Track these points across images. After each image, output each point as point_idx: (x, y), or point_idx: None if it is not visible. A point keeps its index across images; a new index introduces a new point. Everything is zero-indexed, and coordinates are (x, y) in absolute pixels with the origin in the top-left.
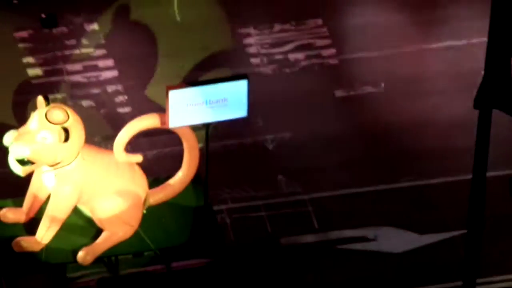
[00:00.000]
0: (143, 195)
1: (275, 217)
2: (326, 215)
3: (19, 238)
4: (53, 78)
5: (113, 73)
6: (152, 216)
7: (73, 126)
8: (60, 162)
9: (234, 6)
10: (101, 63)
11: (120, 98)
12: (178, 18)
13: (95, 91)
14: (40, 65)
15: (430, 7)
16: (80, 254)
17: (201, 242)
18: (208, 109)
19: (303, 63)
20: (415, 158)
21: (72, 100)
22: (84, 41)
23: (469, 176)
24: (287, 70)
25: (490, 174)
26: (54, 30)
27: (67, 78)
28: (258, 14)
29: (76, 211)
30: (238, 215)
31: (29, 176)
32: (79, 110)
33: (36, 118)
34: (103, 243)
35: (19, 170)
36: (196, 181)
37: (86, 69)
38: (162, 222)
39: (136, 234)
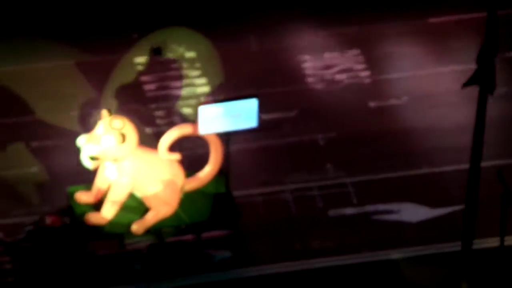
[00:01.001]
0: (180, 184)
1: (325, 195)
2: (363, 193)
3: (89, 214)
4: (162, 92)
5: (206, 89)
6: (187, 199)
7: (128, 131)
8: (119, 158)
9: (295, 40)
10: (197, 81)
11: None
12: (253, 49)
13: (192, 102)
14: (152, 82)
15: (439, 40)
16: (133, 227)
17: (221, 218)
18: (228, 120)
19: (346, 82)
20: (427, 152)
21: (175, 107)
22: (184, 64)
23: (468, 165)
24: (334, 87)
25: (483, 164)
26: (161, 58)
27: (171, 92)
28: (311, 45)
29: (130, 195)
30: (297, 194)
31: (95, 169)
32: (180, 116)
33: (102, 125)
34: (150, 219)
35: (89, 165)
36: (221, 173)
37: (186, 85)
38: (195, 203)
39: (175, 213)
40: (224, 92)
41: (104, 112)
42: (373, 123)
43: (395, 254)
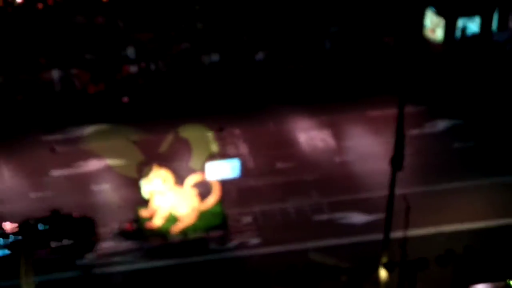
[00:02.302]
0: (197, 206)
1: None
2: (332, 207)
3: (147, 222)
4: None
5: (245, 150)
6: (201, 215)
7: (167, 177)
8: (163, 192)
9: (294, 123)
10: (238, 144)
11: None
12: (271, 129)
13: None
14: (219, 145)
15: (374, 125)
16: (172, 229)
17: (219, 225)
18: (222, 172)
19: (321, 146)
20: (365, 184)
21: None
22: (235, 138)
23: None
24: (315, 149)
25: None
26: (222, 132)
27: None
28: (304, 126)
29: (169, 212)
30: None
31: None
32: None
33: (153, 174)
34: (180, 225)
35: (146, 196)
36: (219, 202)
37: (236, 148)
38: (206, 216)
39: (194, 222)
40: (258, 152)
41: (155, 167)
42: (337, 170)
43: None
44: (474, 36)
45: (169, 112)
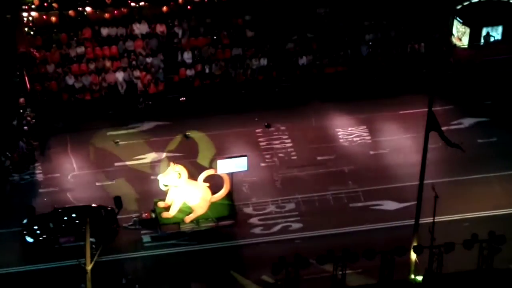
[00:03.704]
0: (208, 198)
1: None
2: (366, 196)
3: (164, 213)
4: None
5: (289, 144)
6: (213, 206)
7: (182, 172)
8: (178, 185)
9: (334, 120)
10: (284, 139)
11: (292, 155)
12: (313, 125)
13: (281, 154)
14: (264, 143)
15: (405, 122)
16: (185, 219)
17: (230, 215)
18: (232, 166)
19: (358, 141)
20: (396, 175)
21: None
22: (281, 133)
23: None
24: (352, 144)
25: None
26: (270, 128)
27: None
28: (342, 123)
29: (183, 203)
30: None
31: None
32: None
33: (169, 169)
34: (193, 215)
35: (163, 188)
36: (229, 194)
37: (282, 142)
38: (217, 207)
39: (206, 212)
40: (301, 146)
41: (171, 163)
42: (371, 162)
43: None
44: (497, 42)
45: (222, 110)
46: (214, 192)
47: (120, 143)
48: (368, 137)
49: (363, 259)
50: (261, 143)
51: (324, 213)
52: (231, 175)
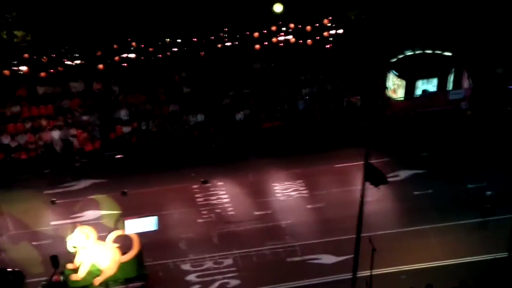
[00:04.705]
0: (117, 259)
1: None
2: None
3: (72, 275)
4: (207, 202)
5: (226, 199)
6: (121, 267)
7: (90, 233)
8: (86, 247)
9: (271, 175)
10: (220, 194)
11: (229, 210)
12: (250, 180)
13: (218, 210)
14: (201, 199)
15: (339, 175)
16: (94, 281)
17: (139, 277)
18: (141, 226)
19: (294, 195)
20: (332, 228)
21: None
22: (218, 189)
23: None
24: (288, 198)
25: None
26: (207, 184)
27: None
28: (279, 177)
29: (92, 265)
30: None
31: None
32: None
33: (76, 230)
34: (103, 277)
35: (71, 250)
36: (138, 253)
37: (218, 198)
38: (126, 268)
39: (115, 273)
40: (238, 201)
41: (78, 225)
42: (308, 216)
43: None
44: (432, 94)
45: (159, 167)
46: (124, 252)
47: (57, 201)
48: (305, 191)
49: None
50: (198, 199)
51: (261, 268)
52: (140, 234)
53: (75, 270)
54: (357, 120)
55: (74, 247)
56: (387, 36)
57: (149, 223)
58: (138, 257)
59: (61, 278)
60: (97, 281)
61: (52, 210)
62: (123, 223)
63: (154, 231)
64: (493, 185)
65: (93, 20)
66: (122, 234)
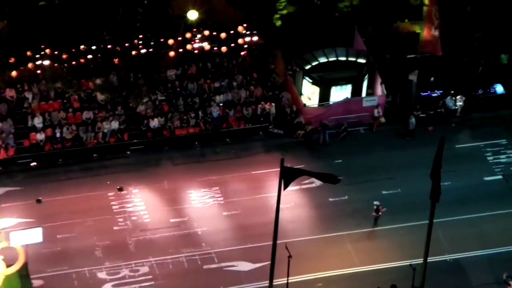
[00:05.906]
0: (2, 272)
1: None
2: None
3: None
4: (123, 209)
5: (142, 207)
6: (7, 280)
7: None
8: None
9: (186, 183)
10: (136, 202)
11: (145, 218)
12: (166, 187)
13: (134, 217)
14: (117, 206)
15: (255, 181)
16: None
17: None
18: (26, 238)
19: (211, 203)
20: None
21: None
22: (133, 196)
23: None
24: (204, 205)
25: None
26: (123, 192)
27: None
28: (195, 185)
29: None
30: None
31: None
32: None
33: None
34: None
35: None
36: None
37: (134, 206)
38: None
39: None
40: (154, 208)
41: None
42: (224, 223)
43: None
44: (348, 101)
45: (74, 175)
46: (9, 265)
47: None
48: (221, 198)
49: None
50: (114, 207)
51: (178, 275)
52: (26, 246)
53: None
54: (270, 127)
55: None
56: (301, 42)
57: (34, 235)
58: (23, 270)
59: None
60: None
61: None
62: (8, 235)
63: (69, 237)
64: (406, 191)
65: (7, 26)
66: (7, 246)
